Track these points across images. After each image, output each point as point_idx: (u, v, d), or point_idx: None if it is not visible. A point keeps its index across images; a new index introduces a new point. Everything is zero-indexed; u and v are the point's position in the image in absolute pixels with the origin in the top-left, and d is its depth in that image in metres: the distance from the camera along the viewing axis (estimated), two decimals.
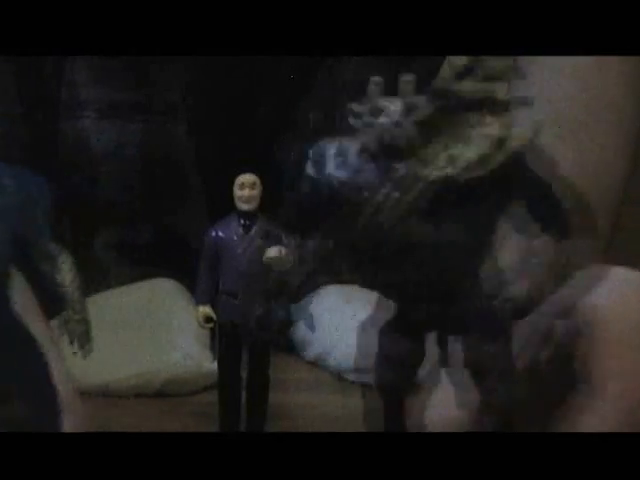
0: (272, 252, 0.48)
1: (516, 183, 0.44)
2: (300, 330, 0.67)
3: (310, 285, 0.54)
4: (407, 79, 0.45)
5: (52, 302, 0.49)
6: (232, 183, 0.50)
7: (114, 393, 0.60)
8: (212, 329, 0.50)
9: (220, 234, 0.50)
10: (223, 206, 0.50)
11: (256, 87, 0.68)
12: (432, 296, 0.44)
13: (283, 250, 0.48)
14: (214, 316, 0.49)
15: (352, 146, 0.44)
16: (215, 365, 0.53)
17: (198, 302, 0.50)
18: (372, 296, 0.70)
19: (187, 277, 0.66)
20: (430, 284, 0.43)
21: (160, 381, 0.61)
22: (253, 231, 0.50)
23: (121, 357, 0.61)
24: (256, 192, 0.50)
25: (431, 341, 0.46)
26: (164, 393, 0.61)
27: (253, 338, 0.50)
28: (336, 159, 0.43)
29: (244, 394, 0.51)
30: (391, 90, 0.71)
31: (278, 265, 0.48)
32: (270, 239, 0.49)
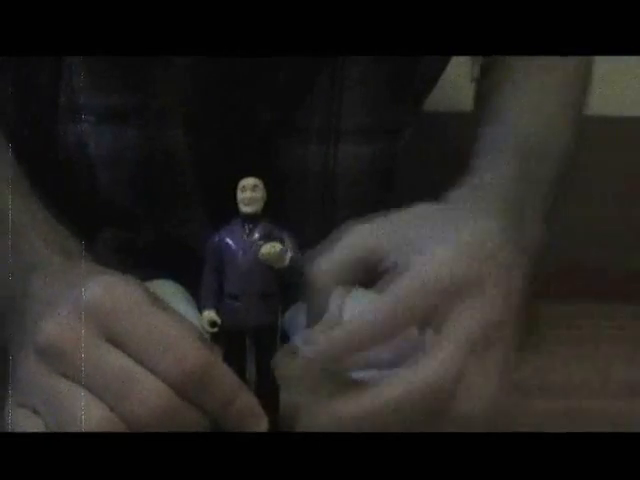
0: (266, 248, 0.48)
1: None
2: (298, 328, 0.67)
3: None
4: None
5: None
6: (231, 185, 0.50)
7: None
8: (215, 333, 0.49)
9: (223, 238, 0.50)
10: (222, 208, 0.50)
11: (255, 89, 0.68)
12: None
13: (277, 246, 0.48)
14: (219, 320, 0.49)
15: None
16: None
17: (203, 307, 0.50)
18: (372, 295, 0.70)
19: (187, 279, 0.66)
20: None
21: None
22: (255, 234, 0.50)
23: None
24: (258, 194, 0.50)
25: None
26: None
27: (257, 339, 0.50)
28: None
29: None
30: (392, 89, 0.71)
31: (273, 261, 0.49)
32: (272, 240, 0.49)
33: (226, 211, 0.50)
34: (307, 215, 0.72)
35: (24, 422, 0.47)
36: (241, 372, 0.49)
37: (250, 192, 0.49)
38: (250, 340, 0.50)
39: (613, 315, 0.81)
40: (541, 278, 0.90)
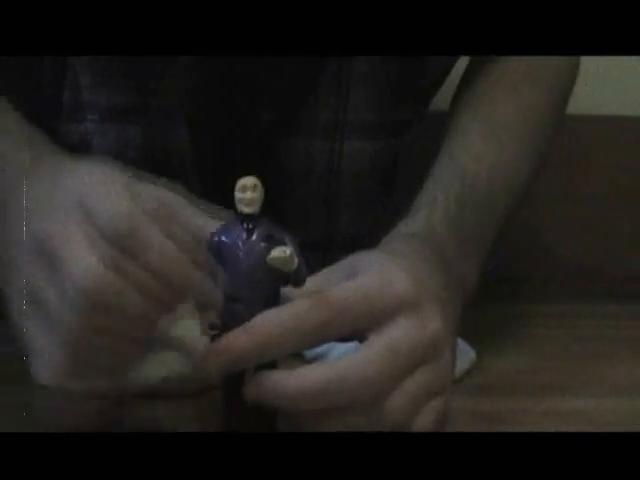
0: (276, 252, 0.47)
1: None
2: None
3: None
4: None
5: None
6: (235, 184, 0.49)
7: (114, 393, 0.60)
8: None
9: (222, 239, 0.49)
10: (226, 207, 0.50)
11: (259, 87, 0.68)
12: None
13: (287, 250, 0.47)
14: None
15: None
16: None
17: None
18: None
19: None
20: None
21: (160, 381, 0.60)
22: (256, 234, 0.49)
23: None
24: (257, 194, 0.49)
25: None
26: (165, 394, 0.60)
27: None
28: None
29: None
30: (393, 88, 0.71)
31: (282, 265, 0.48)
32: (273, 242, 0.49)
33: (230, 210, 0.50)
34: (310, 212, 0.72)
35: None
36: (240, 375, 0.49)
37: (250, 192, 0.48)
38: None
39: (612, 315, 0.81)
40: (540, 278, 0.91)
